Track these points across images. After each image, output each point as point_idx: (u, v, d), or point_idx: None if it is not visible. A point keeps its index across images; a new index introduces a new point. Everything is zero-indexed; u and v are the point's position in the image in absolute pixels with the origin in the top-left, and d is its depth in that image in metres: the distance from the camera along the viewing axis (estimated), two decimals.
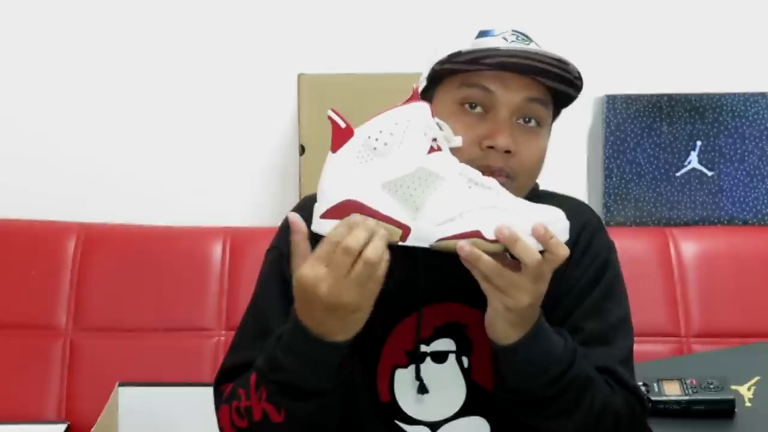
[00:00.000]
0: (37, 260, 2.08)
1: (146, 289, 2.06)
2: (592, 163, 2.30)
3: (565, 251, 1.03)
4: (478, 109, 1.18)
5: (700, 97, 2.20)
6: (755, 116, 2.20)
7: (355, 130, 1.06)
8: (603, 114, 2.21)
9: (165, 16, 2.26)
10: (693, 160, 2.21)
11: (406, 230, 1.04)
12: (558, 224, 1.05)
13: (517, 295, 1.03)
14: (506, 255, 1.04)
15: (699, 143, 2.21)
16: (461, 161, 1.11)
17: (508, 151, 1.16)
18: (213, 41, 2.27)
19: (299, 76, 2.07)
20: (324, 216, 1.05)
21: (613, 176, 2.21)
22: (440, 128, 1.08)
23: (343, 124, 1.06)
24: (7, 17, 2.26)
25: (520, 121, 1.18)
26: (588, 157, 2.31)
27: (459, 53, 1.16)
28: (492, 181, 1.08)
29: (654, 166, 2.21)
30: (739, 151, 2.20)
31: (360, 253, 1.00)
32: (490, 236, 1.02)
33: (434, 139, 1.06)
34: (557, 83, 1.19)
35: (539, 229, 1.02)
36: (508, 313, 1.05)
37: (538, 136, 1.20)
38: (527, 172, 1.20)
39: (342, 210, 1.04)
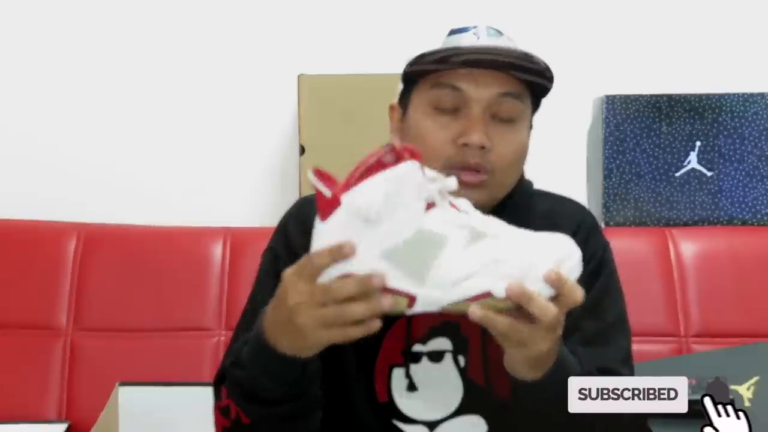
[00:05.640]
0: (37, 260, 2.08)
1: (146, 289, 2.06)
2: (591, 163, 2.30)
3: (580, 295, 0.98)
4: (451, 108, 1.18)
5: (700, 98, 2.20)
6: (755, 116, 2.20)
7: (342, 199, 0.95)
8: (603, 114, 2.20)
9: (165, 16, 2.27)
10: (692, 161, 2.21)
11: (412, 299, 0.97)
12: (571, 261, 0.99)
13: (535, 346, 1.00)
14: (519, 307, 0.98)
15: (698, 143, 2.21)
16: (439, 162, 1.11)
17: (483, 147, 1.16)
18: (213, 42, 2.27)
19: (299, 76, 2.07)
20: None
21: (612, 176, 2.21)
22: (434, 180, 0.99)
23: (327, 193, 0.95)
24: (7, 18, 2.26)
25: (495, 116, 1.18)
26: (588, 157, 2.31)
27: (424, 54, 1.17)
28: (494, 223, 1.00)
29: (653, 167, 2.21)
30: (738, 152, 2.20)
31: (344, 300, 0.95)
32: (501, 294, 0.96)
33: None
34: (527, 75, 1.18)
35: (552, 276, 0.97)
36: (528, 359, 1.03)
37: (514, 130, 1.20)
38: (505, 167, 1.19)
39: None
